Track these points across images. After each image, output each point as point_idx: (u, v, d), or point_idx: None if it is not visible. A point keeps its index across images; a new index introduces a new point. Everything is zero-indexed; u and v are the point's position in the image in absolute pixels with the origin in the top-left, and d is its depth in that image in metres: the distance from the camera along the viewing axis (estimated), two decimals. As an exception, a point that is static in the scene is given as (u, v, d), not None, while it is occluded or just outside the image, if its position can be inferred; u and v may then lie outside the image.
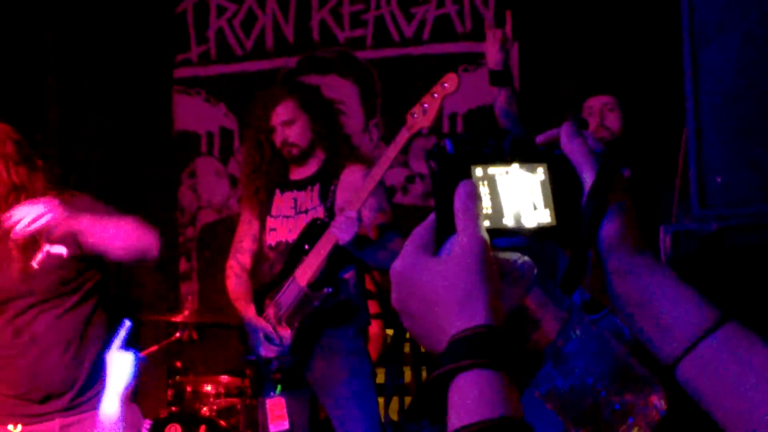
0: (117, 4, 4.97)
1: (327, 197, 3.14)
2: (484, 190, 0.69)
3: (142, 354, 2.23)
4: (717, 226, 1.38)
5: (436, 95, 2.90)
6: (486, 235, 0.66)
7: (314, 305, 3.00)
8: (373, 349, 3.63)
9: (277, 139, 3.19)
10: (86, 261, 2.45)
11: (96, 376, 2.45)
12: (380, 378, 3.40)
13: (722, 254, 1.42)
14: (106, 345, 2.45)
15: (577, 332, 0.65)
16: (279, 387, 3.06)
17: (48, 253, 2.41)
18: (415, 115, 2.91)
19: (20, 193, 2.36)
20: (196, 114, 4.95)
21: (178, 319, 3.96)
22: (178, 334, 3.93)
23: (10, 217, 2.21)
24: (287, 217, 3.19)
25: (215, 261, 4.13)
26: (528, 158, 0.71)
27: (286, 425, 3.03)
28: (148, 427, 3.46)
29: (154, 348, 3.99)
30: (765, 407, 0.61)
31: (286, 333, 3.03)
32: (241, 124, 4.74)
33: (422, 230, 0.69)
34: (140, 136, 4.97)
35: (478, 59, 4.35)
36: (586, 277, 0.71)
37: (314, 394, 3.12)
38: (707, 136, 1.40)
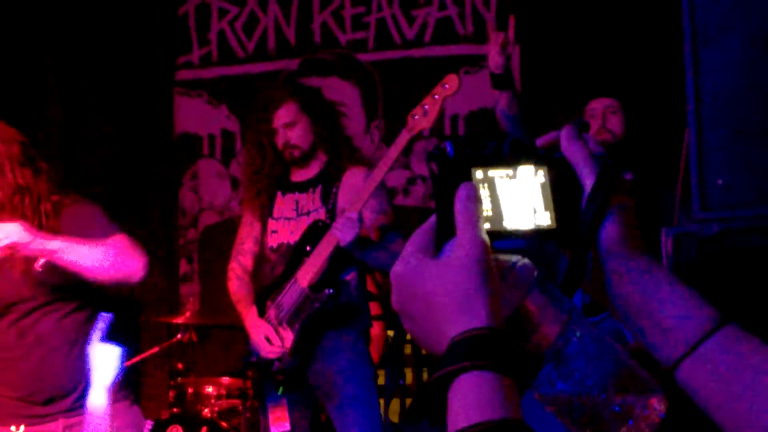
0: (119, 6, 4.98)
1: (329, 199, 3.14)
2: (484, 193, 0.69)
3: (123, 346, 2.23)
4: (718, 228, 1.38)
5: (436, 96, 2.90)
6: (486, 238, 0.66)
7: (315, 307, 3.00)
8: (375, 351, 3.63)
9: (279, 141, 3.19)
10: None
11: (112, 381, 2.45)
12: (382, 380, 3.40)
13: (724, 257, 1.42)
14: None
15: (578, 334, 0.65)
16: (280, 388, 3.06)
17: None
18: (416, 117, 2.91)
19: (24, 195, 2.36)
20: (197, 116, 4.96)
21: (179, 320, 3.96)
22: (179, 336, 3.94)
23: None
24: (289, 219, 3.20)
25: (217, 263, 4.13)
26: (528, 161, 0.71)
27: (288, 427, 3.03)
28: (149, 428, 3.46)
29: (155, 349, 4.00)
30: (765, 410, 0.61)
31: (288, 334, 3.03)
32: (242, 126, 4.75)
33: (422, 232, 0.69)
34: (142, 138, 4.98)
35: (480, 61, 4.35)
36: (586, 279, 0.71)
37: (315, 396, 3.12)
38: (708, 139, 1.39)
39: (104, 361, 2.18)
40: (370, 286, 3.63)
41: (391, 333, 4.00)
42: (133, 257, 2.39)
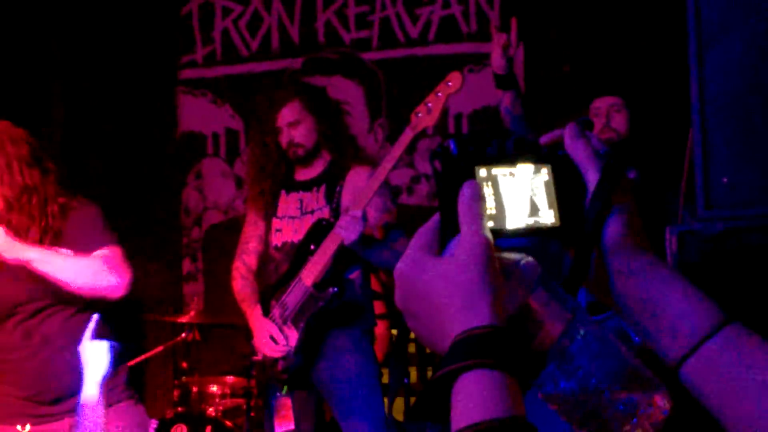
0: (122, 6, 4.98)
1: (333, 198, 3.14)
2: (487, 191, 0.69)
3: (115, 342, 2.23)
4: (723, 226, 1.38)
5: (440, 94, 2.90)
6: (489, 236, 0.66)
7: (320, 305, 3.00)
8: (379, 350, 3.63)
9: (283, 140, 3.19)
10: None
11: (104, 376, 2.46)
12: (386, 378, 3.40)
13: (728, 255, 1.41)
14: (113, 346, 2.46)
15: (581, 332, 0.65)
16: (285, 387, 3.06)
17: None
18: (420, 115, 2.91)
19: (32, 195, 2.38)
20: (201, 115, 4.97)
21: (184, 319, 3.97)
22: (183, 335, 3.94)
23: None
24: (293, 217, 3.20)
25: (221, 262, 4.13)
26: (532, 159, 0.71)
27: (292, 426, 3.03)
28: (154, 427, 3.47)
29: (159, 349, 4.01)
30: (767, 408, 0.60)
31: (292, 333, 3.04)
32: (246, 125, 4.75)
33: (426, 230, 0.69)
34: (146, 138, 4.99)
35: (484, 59, 4.35)
36: (590, 277, 0.71)
37: (320, 395, 3.12)
38: (713, 137, 1.39)
39: (95, 357, 2.18)
40: (375, 285, 3.63)
41: (395, 332, 4.00)
42: (114, 275, 2.39)
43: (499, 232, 0.68)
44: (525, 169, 0.70)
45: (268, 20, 4.89)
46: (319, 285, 3.01)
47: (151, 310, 4.70)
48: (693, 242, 1.44)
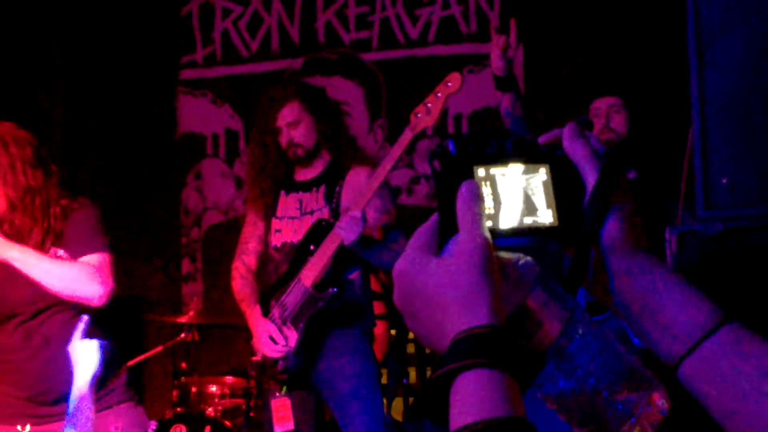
0: (122, 6, 4.98)
1: (332, 198, 3.14)
2: (486, 190, 0.69)
3: (105, 341, 2.24)
4: (722, 227, 1.38)
5: (439, 94, 2.90)
6: (488, 235, 0.66)
7: (319, 306, 3.00)
8: (379, 350, 3.63)
9: (283, 140, 3.19)
10: None
11: (104, 377, 2.46)
12: (386, 378, 3.40)
13: (728, 255, 1.41)
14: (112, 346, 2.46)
15: (580, 332, 0.65)
16: (284, 388, 3.06)
17: (57, 257, 2.42)
18: (419, 115, 2.91)
19: (35, 196, 2.40)
20: (201, 115, 4.97)
21: (183, 320, 3.97)
22: (183, 335, 3.94)
23: None
24: (292, 218, 3.20)
25: (220, 262, 4.14)
26: (530, 158, 0.71)
27: (291, 426, 3.03)
28: (153, 428, 3.46)
29: (159, 349, 4.00)
30: (766, 409, 0.60)
31: (292, 334, 3.04)
32: (246, 126, 4.75)
33: (425, 230, 0.69)
34: (145, 138, 4.99)
35: (483, 60, 4.35)
36: (588, 277, 0.71)
37: (319, 395, 3.12)
38: (713, 137, 1.39)
39: (84, 357, 2.19)
40: (375, 285, 3.63)
41: (394, 332, 4.00)
42: (95, 283, 2.39)
43: (497, 232, 0.68)
44: (523, 169, 0.70)
45: (268, 21, 4.89)
46: (319, 285, 3.01)
47: (150, 311, 4.70)
48: (693, 242, 1.44)
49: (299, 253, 3.08)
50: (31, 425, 2.43)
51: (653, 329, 0.67)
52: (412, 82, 4.51)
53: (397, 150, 2.94)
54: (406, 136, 2.93)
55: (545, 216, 0.70)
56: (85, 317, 2.28)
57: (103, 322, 2.48)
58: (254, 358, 3.16)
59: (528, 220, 0.69)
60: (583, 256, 0.69)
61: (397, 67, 4.66)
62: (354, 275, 3.11)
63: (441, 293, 0.64)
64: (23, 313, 2.42)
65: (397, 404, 3.62)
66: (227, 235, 4.31)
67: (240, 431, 3.64)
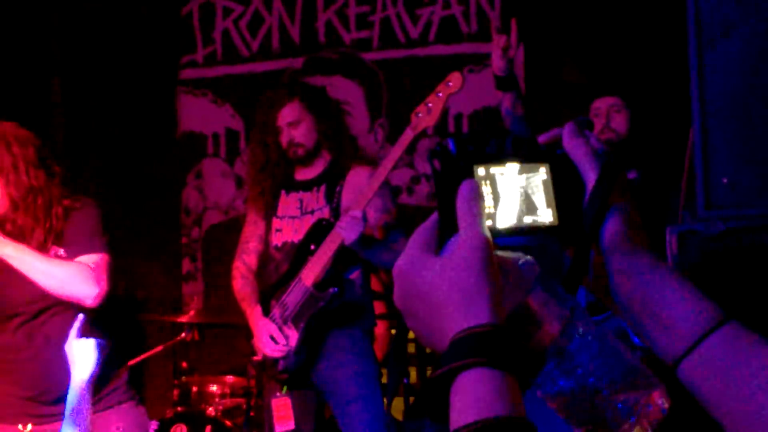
0: (123, 6, 4.98)
1: (333, 198, 3.14)
2: (486, 190, 0.69)
3: (102, 340, 2.24)
4: (723, 226, 1.38)
5: (440, 94, 2.90)
6: (488, 234, 0.66)
7: (320, 305, 3.00)
8: (379, 350, 3.63)
9: (283, 140, 3.19)
10: None
11: (106, 377, 2.46)
12: (386, 378, 3.40)
13: (728, 255, 1.41)
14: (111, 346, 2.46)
15: (580, 331, 0.65)
16: (285, 387, 3.06)
17: (57, 256, 2.42)
18: (420, 115, 2.91)
19: (38, 196, 2.41)
20: (202, 115, 4.97)
21: (183, 319, 3.97)
22: (183, 335, 3.94)
23: None
24: (293, 217, 3.20)
25: (221, 262, 4.14)
26: (530, 158, 0.71)
27: (292, 425, 3.03)
28: (154, 428, 3.47)
29: (159, 348, 4.00)
30: (766, 408, 0.60)
31: (292, 333, 3.04)
32: (247, 125, 4.75)
33: (425, 229, 0.69)
34: (146, 137, 4.99)
35: (484, 60, 4.34)
36: (588, 277, 0.71)
37: (320, 395, 3.12)
38: (713, 137, 1.39)
39: (81, 356, 2.19)
40: (375, 285, 3.63)
41: (395, 332, 4.00)
42: (89, 284, 2.39)
43: (497, 231, 0.68)
44: (523, 168, 0.70)
45: (269, 20, 4.89)
46: (320, 285, 3.01)
47: (150, 310, 4.71)
48: (693, 242, 1.44)
49: (300, 253, 3.08)
50: (33, 424, 2.43)
51: (653, 328, 0.67)
52: (413, 81, 4.51)
53: (398, 150, 2.94)
54: (407, 136, 2.93)
55: (545, 215, 0.70)
56: (81, 316, 2.28)
57: (102, 322, 2.48)
58: (255, 358, 3.16)
59: (528, 220, 0.69)
60: (583, 256, 0.69)
61: (397, 66, 4.66)
62: (355, 275, 3.11)
63: (441, 292, 0.64)
64: (25, 312, 2.43)
65: (398, 404, 3.62)
66: (228, 234, 4.31)
67: (241, 431, 3.64)
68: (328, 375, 3.06)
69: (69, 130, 5.00)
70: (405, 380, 3.54)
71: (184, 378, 3.91)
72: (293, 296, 3.05)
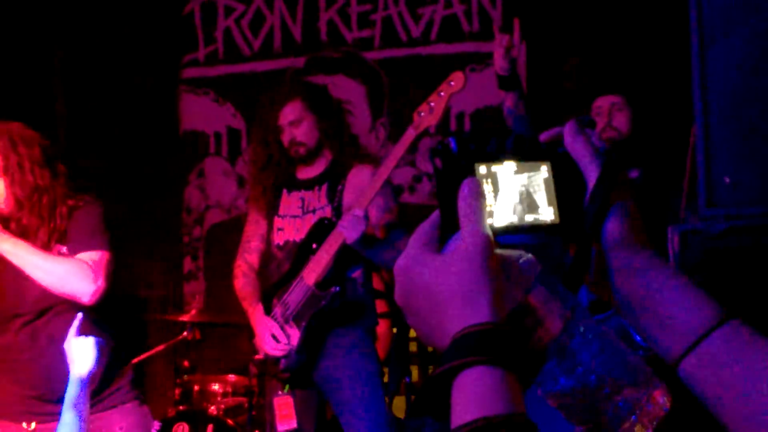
0: (125, 5, 4.99)
1: (334, 197, 3.14)
2: (487, 188, 0.69)
3: (101, 339, 2.24)
4: (725, 225, 1.38)
5: (442, 93, 2.90)
6: (489, 233, 0.66)
7: (322, 304, 3.00)
8: (381, 349, 3.63)
9: (285, 139, 3.19)
10: None
11: (109, 376, 2.46)
12: (388, 377, 3.40)
13: (730, 254, 1.41)
14: (114, 345, 2.46)
15: (581, 329, 0.65)
16: (287, 386, 3.06)
17: (59, 254, 2.43)
18: (422, 114, 2.91)
19: (43, 195, 2.42)
20: (204, 114, 4.97)
21: (185, 318, 3.97)
22: (185, 334, 3.94)
23: None
24: (295, 216, 3.20)
25: (222, 260, 4.14)
26: (531, 156, 0.71)
27: (294, 424, 3.03)
28: (157, 428, 3.47)
29: (161, 347, 4.01)
30: (766, 406, 0.60)
31: (294, 332, 3.04)
32: (248, 124, 4.75)
33: (426, 227, 0.69)
34: (148, 136, 4.99)
35: (486, 59, 4.34)
36: (590, 275, 0.71)
37: (322, 394, 3.12)
38: (715, 136, 1.39)
39: (80, 354, 2.19)
40: (377, 284, 3.63)
41: (396, 330, 4.00)
42: (87, 282, 2.40)
43: (498, 230, 0.68)
44: (525, 166, 0.70)
45: (271, 19, 4.89)
46: (321, 284, 3.01)
47: (152, 309, 4.71)
48: (695, 241, 1.44)
49: (301, 252, 3.08)
50: (37, 423, 2.44)
51: (654, 327, 0.67)
52: (415, 80, 4.51)
53: (400, 149, 2.94)
54: (409, 135, 2.93)
55: (546, 213, 0.70)
56: (80, 314, 2.29)
57: (104, 321, 2.48)
58: (256, 357, 3.16)
59: (529, 218, 0.69)
60: (584, 254, 0.69)
61: (399, 65, 4.66)
62: (356, 274, 3.11)
63: (442, 291, 0.64)
64: (28, 313, 2.43)
65: (399, 402, 3.62)
66: (229, 233, 4.31)
67: (243, 430, 3.65)
68: (329, 374, 3.06)
69: (70, 129, 5.01)
70: (407, 379, 3.54)
71: (185, 377, 3.91)
72: (295, 295, 3.05)
